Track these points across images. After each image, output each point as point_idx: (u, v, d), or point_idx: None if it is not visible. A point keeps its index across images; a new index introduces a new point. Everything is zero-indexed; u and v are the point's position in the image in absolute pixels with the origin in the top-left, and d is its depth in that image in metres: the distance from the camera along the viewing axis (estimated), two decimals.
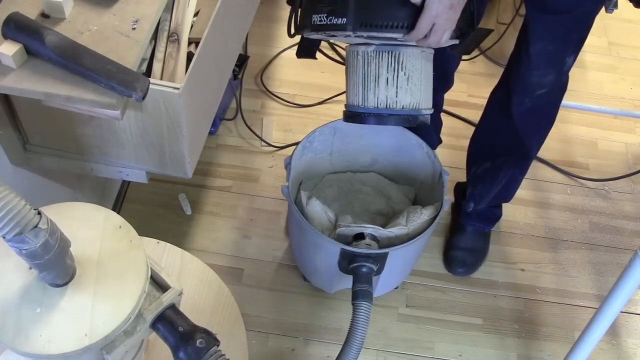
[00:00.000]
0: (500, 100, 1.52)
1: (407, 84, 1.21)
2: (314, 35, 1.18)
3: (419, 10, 1.07)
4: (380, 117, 1.22)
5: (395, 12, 1.09)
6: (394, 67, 1.19)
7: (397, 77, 1.20)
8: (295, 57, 1.32)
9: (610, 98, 2.23)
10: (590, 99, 2.20)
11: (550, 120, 1.52)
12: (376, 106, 1.21)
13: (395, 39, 1.13)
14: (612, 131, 2.13)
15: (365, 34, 1.12)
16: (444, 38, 1.06)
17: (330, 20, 1.12)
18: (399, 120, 1.22)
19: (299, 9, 1.21)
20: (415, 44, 1.11)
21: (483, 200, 1.68)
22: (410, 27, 1.08)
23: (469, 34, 1.12)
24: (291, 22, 1.23)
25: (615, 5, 1.62)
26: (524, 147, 1.56)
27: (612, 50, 2.39)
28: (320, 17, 1.14)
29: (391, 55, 1.18)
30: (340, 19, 1.11)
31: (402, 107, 1.21)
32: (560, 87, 1.44)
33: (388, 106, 1.21)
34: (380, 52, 1.17)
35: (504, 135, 1.54)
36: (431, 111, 1.21)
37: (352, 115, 1.25)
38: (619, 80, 2.29)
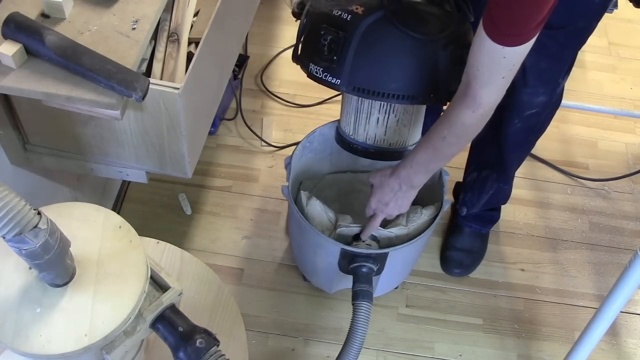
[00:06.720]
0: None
1: (397, 125, 1.30)
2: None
3: (414, 78, 1.17)
4: (366, 151, 1.37)
5: (388, 82, 1.17)
6: (386, 108, 1.28)
7: (388, 118, 1.30)
8: None
9: (610, 98, 2.23)
10: (590, 99, 2.20)
11: (536, 136, 1.51)
12: (365, 141, 1.35)
13: None
14: (612, 131, 2.13)
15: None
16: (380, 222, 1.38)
17: (326, 76, 1.21)
18: (384, 156, 1.36)
19: (302, 38, 1.26)
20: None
21: (474, 206, 1.69)
22: (402, 97, 1.18)
23: None
24: (298, 46, 1.28)
25: (615, 5, 1.62)
26: (505, 162, 1.56)
27: (612, 50, 2.39)
28: (317, 69, 1.21)
29: None
30: (335, 79, 1.19)
31: (389, 145, 1.35)
32: (551, 108, 1.44)
33: (376, 142, 1.35)
34: None
35: (489, 149, 1.54)
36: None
37: (342, 141, 1.41)
38: (619, 80, 2.29)
